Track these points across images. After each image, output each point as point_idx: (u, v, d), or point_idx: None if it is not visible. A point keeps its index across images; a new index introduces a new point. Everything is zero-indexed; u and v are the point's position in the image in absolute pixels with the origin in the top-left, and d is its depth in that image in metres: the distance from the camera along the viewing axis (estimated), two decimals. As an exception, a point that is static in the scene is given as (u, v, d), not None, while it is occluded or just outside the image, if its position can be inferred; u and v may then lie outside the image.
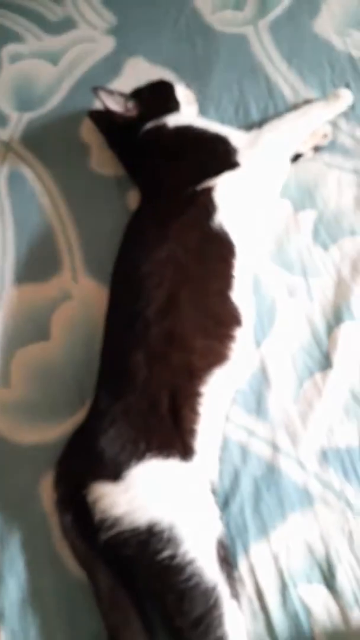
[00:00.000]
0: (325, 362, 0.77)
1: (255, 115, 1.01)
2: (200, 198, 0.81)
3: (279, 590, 0.65)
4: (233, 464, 0.72)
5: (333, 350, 0.77)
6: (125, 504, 0.62)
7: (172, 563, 0.60)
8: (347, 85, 1.00)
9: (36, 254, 0.94)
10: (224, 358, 0.72)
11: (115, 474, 0.64)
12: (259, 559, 0.66)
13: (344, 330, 0.78)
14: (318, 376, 0.76)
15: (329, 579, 0.65)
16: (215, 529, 0.64)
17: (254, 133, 0.89)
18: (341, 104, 0.96)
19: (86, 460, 0.67)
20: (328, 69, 1.04)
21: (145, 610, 0.63)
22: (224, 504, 0.70)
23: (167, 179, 0.86)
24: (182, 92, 1.00)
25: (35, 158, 1.05)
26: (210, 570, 0.60)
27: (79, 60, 1.17)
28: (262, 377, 0.77)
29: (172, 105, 0.97)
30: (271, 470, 0.71)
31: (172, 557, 0.60)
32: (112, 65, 1.14)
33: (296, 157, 0.93)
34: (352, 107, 0.97)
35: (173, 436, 0.67)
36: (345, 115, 0.97)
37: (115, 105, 0.94)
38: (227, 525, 0.67)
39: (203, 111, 1.03)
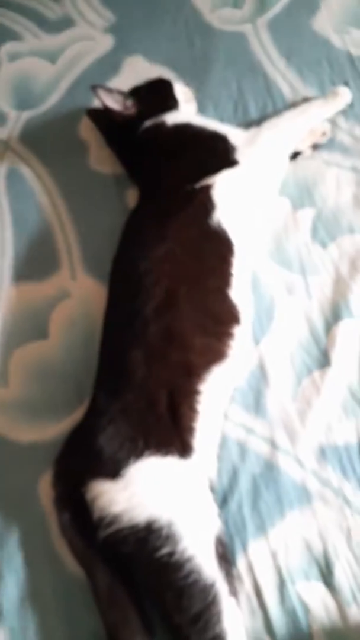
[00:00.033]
0: (324, 360, 0.77)
1: (254, 113, 1.01)
2: (199, 196, 0.81)
3: (277, 587, 0.65)
4: (231, 462, 0.72)
5: (331, 348, 0.77)
6: (124, 501, 0.63)
7: (171, 560, 0.60)
8: (346, 84, 1.00)
9: (35, 253, 0.94)
10: (223, 356, 0.72)
11: (113, 471, 0.64)
12: (257, 556, 0.67)
13: (343, 328, 0.78)
14: (316, 374, 0.76)
15: (327, 576, 0.65)
16: (213, 526, 0.64)
17: (252, 131, 0.89)
18: (340, 102, 0.96)
19: (85, 459, 0.67)
20: (327, 67, 1.04)
21: (144, 608, 0.63)
22: (223, 501, 0.70)
23: (166, 177, 0.86)
24: (181, 90, 1.00)
25: (33, 156, 1.05)
26: (208, 567, 0.61)
27: (77, 58, 1.17)
28: (261, 375, 0.77)
29: (170, 103, 0.97)
30: (269, 468, 0.71)
31: (171, 554, 0.60)
32: (110, 63, 1.14)
33: (295, 155, 0.93)
34: (351, 105, 0.97)
35: (171, 434, 0.67)
36: (344, 113, 0.97)
37: (114, 103, 0.94)
38: (225, 522, 0.67)
39: (202, 109, 1.03)
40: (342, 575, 0.65)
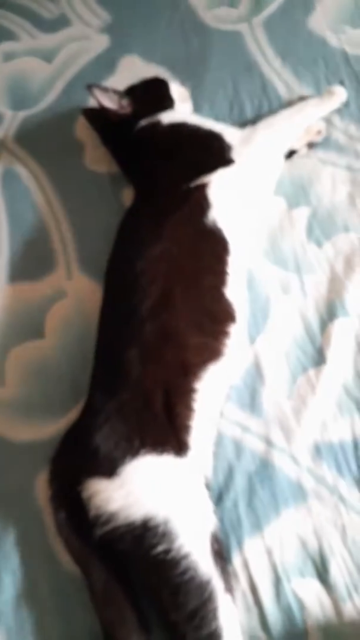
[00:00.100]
0: (319, 358, 0.77)
1: (249, 112, 1.01)
2: (194, 195, 0.81)
3: (272, 584, 0.65)
4: (227, 460, 0.73)
5: (327, 347, 0.78)
6: (120, 499, 0.63)
7: (167, 557, 0.60)
8: (341, 82, 1.00)
9: (31, 252, 0.94)
10: (218, 354, 0.73)
11: (110, 470, 0.64)
12: (252, 553, 0.67)
13: (338, 327, 0.79)
14: (312, 372, 0.77)
15: (322, 573, 0.65)
16: (209, 523, 0.64)
17: (248, 130, 0.89)
18: (335, 101, 0.96)
19: (81, 457, 0.67)
20: (322, 66, 1.04)
21: (140, 606, 0.64)
22: (218, 499, 0.70)
23: (162, 176, 0.86)
24: (177, 90, 1.00)
25: (29, 156, 1.05)
26: (204, 564, 0.61)
27: (73, 58, 1.17)
28: (256, 373, 0.78)
29: (166, 102, 0.97)
30: (265, 466, 0.72)
31: (167, 551, 0.60)
32: (106, 63, 1.14)
33: (290, 154, 0.93)
34: (346, 104, 0.97)
35: (167, 432, 0.67)
36: (339, 112, 0.97)
37: (109, 102, 0.94)
38: (221, 520, 0.68)
39: (197, 108, 1.03)
40: (337, 572, 0.65)
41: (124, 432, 0.66)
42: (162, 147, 0.90)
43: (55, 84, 1.14)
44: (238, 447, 0.73)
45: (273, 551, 0.67)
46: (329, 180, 0.91)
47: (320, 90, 1.01)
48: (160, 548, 0.60)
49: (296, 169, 0.93)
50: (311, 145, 0.95)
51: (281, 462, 0.71)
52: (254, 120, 0.94)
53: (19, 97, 1.13)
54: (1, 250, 0.95)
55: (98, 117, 1.00)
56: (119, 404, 0.68)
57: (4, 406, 0.81)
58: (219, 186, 0.82)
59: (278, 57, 1.07)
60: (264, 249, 0.87)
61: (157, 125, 0.92)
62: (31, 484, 0.74)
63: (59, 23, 1.23)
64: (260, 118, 0.93)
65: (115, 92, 0.95)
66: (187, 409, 0.69)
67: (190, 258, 0.77)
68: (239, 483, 0.71)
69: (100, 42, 1.18)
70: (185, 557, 0.60)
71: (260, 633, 0.63)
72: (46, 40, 1.21)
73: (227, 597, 0.61)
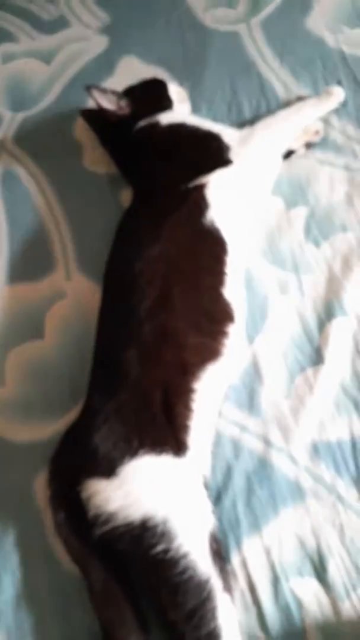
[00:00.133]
0: (317, 358, 0.77)
1: (247, 112, 1.02)
2: (193, 195, 0.81)
3: (270, 583, 0.66)
4: (225, 459, 0.73)
5: (324, 346, 0.78)
6: (119, 499, 0.63)
7: (166, 557, 0.60)
8: (339, 83, 1.00)
9: (30, 253, 0.95)
10: (217, 354, 0.73)
11: (109, 470, 0.64)
12: (251, 552, 0.67)
13: (336, 326, 0.79)
14: (309, 372, 0.77)
15: (320, 572, 0.65)
16: (208, 523, 0.65)
17: (246, 130, 0.89)
18: (333, 101, 0.96)
19: (80, 458, 0.67)
20: (320, 66, 1.04)
21: (139, 605, 0.64)
22: (217, 498, 0.70)
23: (160, 177, 0.86)
24: (175, 90, 1.00)
25: (28, 157, 1.05)
26: (203, 564, 0.61)
27: (72, 59, 1.17)
28: (254, 373, 0.78)
29: (165, 103, 0.97)
30: (263, 465, 0.72)
31: (166, 551, 0.60)
32: (105, 64, 1.14)
33: (288, 154, 0.93)
34: (344, 104, 0.98)
35: (166, 432, 0.67)
36: (337, 112, 0.97)
37: (108, 103, 0.94)
38: (219, 519, 0.68)
39: (195, 109, 1.03)
40: (335, 572, 0.65)
41: (123, 432, 0.66)
42: (160, 147, 0.90)
43: (54, 85, 1.14)
44: (236, 447, 0.73)
45: (271, 550, 0.67)
46: (327, 180, 0.91)
47: (318, 91, 1.01)
48: (159, 548, 0.61)
49: (294, 169, 0.93)
50: (309, 146, 0.95)
51: (279, 462, 0.72)
52: (252, 121, 0.94)
53: (18, 98, 1.13)
54: (1, 251, 0.95)
55: (97, 118, 1.01)
56: (118, 404, 0.68)
57: (3, 406, 0.81)
58: (217, 186, 0.82)
59: (276, 58, 1.07)
60: (262, 249, 0.87)
61: (156, 125, 0.92)
62: (30, 484, 0.74)
63: (58, 24, 1.23)
64: (259, 118, 0.93)
65: (114, 93, 0.96)
66: (186, 409, 0.69)
67: (188, 258, 0.77)
68: (238, 483, 0.71)
69: (99, 43, 1.18)
70: (184, 556, 0.61)
71: (258, 632, 0.64)
72: (45, 41, 1.21)
73: (226, 596, 0.61)
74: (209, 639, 0.59)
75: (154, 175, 0.87)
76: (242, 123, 0.96)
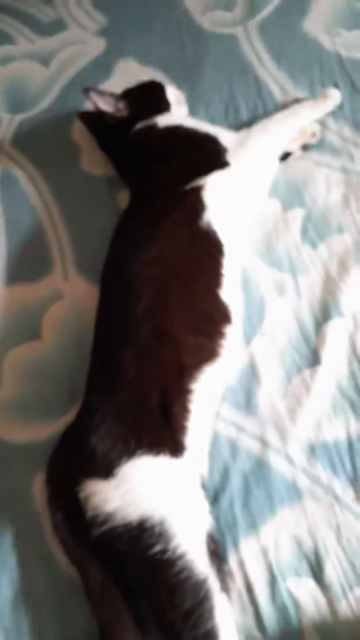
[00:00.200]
0: (314, 359, 0.78)
1: (244, 115, 1.02)
2: (190, 197, 0.81)
3: (267, 583, 0.66)
4: (223, 460, 0.73)
5: (321, 347, 0.78)
6: (116, 500, 0.63)
7: (164, 557, 0.61)
8: (336, 85, 1.01)
9: (27, 254, 0.95)
10: (214, 355, 0.73)
11: (106, 471, 0.65)
12: (248, 553, 0.67)
13: (332, 327, 0.79)
14: (306, 373, 0.77)
15: (317, 572, 0.66)
16: (205, 523, 0.65)
17: (243, 133, 0.90)
18: (330, 104, 0.97)
19: (78, 458, 0.68)
20: (317, 69, 1.05)
21: (136, 606, 0.64)
22: (214, 499, 0.71)
23: (157, 179, 0.87)
24: (173, 93, 1.00)
25: (26, 159, 1.05)
26: (200, 564, 0.61)
27: (70, 61, 1.17)
28: (252, 374, 0.78)
29: (162, 105, 0.98)
30: (260, 466, 0.72)
31: (163, 551, 0.61)
32: (103, 66, 1.15)
33: (285, 156, 0.94)
34: (340, 107, 0.98)
35: (163, 433, 0.68)
36: (333, 114, 0.98)
37: (106, 105, 0.94)
38: (217, 520, 0.68)
39: (193, 111, 1.03)
40: (332, 572, 0.65)
41: (121, 432, 0.67)
42: (158, 149, 0.91)
43: (52, 87, 1.14)
44: (233, 447, 0.74)
45: (268, 550, 0.67)
46: (324, 182, 0.92)
47: (314, 93, 1.01)
48: (156, 548, 0.61)
49: (291, 171, 0.93)
50: (306, 148, 0.95)
51: (276, 462, 0.72)
52: (249, 123, 0.94)
53: (16, 101, 1.14)
54: (-1, 253, 0.96)
55: (94, 120, 1.01)
56: (116, 404, 0.69)
57: (1, 407, 0.82)
58: (214, 188, 0.82)
59: (273, 60, 1.08)
60: (258, 250, 0.87)
61: (153, 128, 0.93)
62: (28, 484, 0.74)
63: (56, 27, 1.24)
64: (256, 121, 0.94)
65: (112, 95, 0.96)
66: (183, 409, 0.70)
67: (185, 260, 0.77)
68: (235, 483, 0.71)
69: (97, 46, 1.19)
70: (182, 556, 0.61)
71: (255, 632, 0.64)
72: (43, 43, 1.22)
73: (223, 596, 0.62)
74: (207, 639, 0.59)
75: (151, 177, 0.88)
76: (240, 125, 0.97)
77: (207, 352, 0.73)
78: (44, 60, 1.19)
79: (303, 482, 0.70)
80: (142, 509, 0.62)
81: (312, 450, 0.72)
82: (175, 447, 0.67)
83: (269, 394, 0.77)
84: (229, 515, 0.69)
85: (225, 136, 0.89)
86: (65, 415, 0.78)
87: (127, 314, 0.74)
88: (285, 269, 0.85)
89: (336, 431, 0.73)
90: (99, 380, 0.73)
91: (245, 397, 0.77)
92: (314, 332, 0.80)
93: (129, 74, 1.10)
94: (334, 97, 0.97)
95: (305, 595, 0.65)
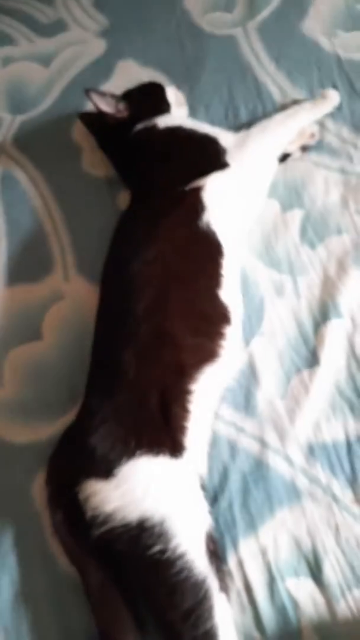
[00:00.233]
0: (312, 359, 0.78)
1: (244, 115, 1.02)
2: (189, 197, 0.82)
3: (266, 583, 0.66)
4: (222, 460, 0.73)
5: (320, 348, 0.78)
6: (116, 500, 0.63)
7: (163, 557, 0.61)
8: (334, 86, 1.01)
9: (28, 255, 0.95)
10: (214, 355, 0.73)
11: (106, 471, 0.65)
12: (247, 553, 0.68)
13: (331, 328, 0.80)
14: (305, 373, 0.77)
15: (315, 572, 0.66)
16: (204, 523, 0.65)
17: (242, 134, 0.90)
18: (328, 105, 0.97)
19: (78, 459, 0.68)
20: (315, 70, 1.05)
21: (136, 606, 0.64)
22: (213, 499, 0.71)
23: (157, 179, 0.87)
24: (173, 94, 1.00)
25: (27, 160, 1.05)
26: (199, 564, 0.61)
27: (70, 62, 1.18)
28: (251, 374, 0.78)
29: (162, 106, 0.98)
30: (259, 466, 0.72)
31: (163, 551, 0.61)
32: (103, 67, 1.15)
33: (284, 157, 0.94)
34: (339, 108, 0.98)
35: (163, 433, 0.68)
36: (332, 115, 0.98)
37: (106, 106, 0.95)
38: (216, 520, 0.68)
39: (193, 112, 1.04)
40: (330, 572, 0.66)
41: (120, 433, 0.67)
42: (158, 150, 0.91)
43: (53, 88, 1.14)
44: (233, 448, 0.74)
45: (267, 551, 0.67)
46: (322, 183, 0.92)
47: (313, 94, 1.01)
48: (156, 548, 0.61)
49: (290, 172, 0.94)
50: (305, 149, 0.95)
51: (275, 463, 0.72)
52: (248, 124, 0.95)
53: (17, 101, 1.14)
54: (-1, 253, 0.96)
55: (95, 121, 1.01)
56: (115, 405, 0.69)
57: (1, 407, 0.82)
58: (214, 189, 0.83)
59: (272, 61, 1.08)
60: (258, 251, 0.88)
61: (154, 128, 0.93)
62: (28, 485, 0.75)
63: (56, 27, 1.24)
64: (255, 122, 0.94)
65: (113, 96, 0.96)
66: (183, 409, 0.70)
67: (184, 260, 0.77)
68: (234, 483, 0.72)
69: (97, 47, 1.19)
70: (181, 556, 0.61)
71: (254, 632, 0.64)
72: (44, 44, 1.22)
73: (222, 596, 0.62)
74: (206, 639, 0.59)
75: (151, 178, 0.88)
76: (239, 126, 0.97)
77: (207, 352, 0.73)
78: (45, 60, 1.19)
79: (302, 482, 0.71)
80: (141, 509, 0.63)
81: (311, 451, 0.72)
82: (174, 447, 0.68)
83: (268, 394, 0.77)
84: (228, 516, 0.70)
85: (225, 137, 0.89)
86: (66, 415, 0.78)
87: (127, 314, 0.74)
88: (284, 269, 0.86)
89: (335, 432, 0.73)
90: (98, 380, 0.74)
91: (245, 397, 0.77)
92: (313, 332, 0.80)
93: (129, 74, 1.11)
94: (333, 98, 0.97)
95: (304, 596, 0.65)
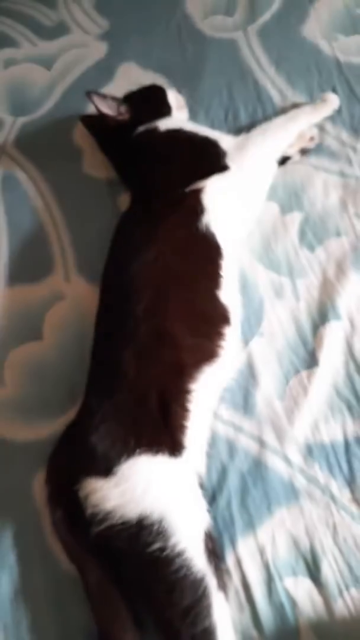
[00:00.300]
0: (311, 361, 0.79)
1: (244, 119, 1.03)
2: (189, 200, 0.82)
3: (264, 582, 0.66)
4: (220, 460, 0.74)
5: (318, 349, 0.79)
6: (116, 498, 0.64)
7: (162, 555, 0.61)
8: (334, 90, 1.02)
9: (29, 256, 0.96)
10: (213, 355, 0.74)
11: (106, 469, 0.65)
12: (245, 552, 0.68)
13: (329, 330, 0.80)
14: (304, 374, 0.78)
15: (313, 571, 0.66)
16: (203, 521, 0.66)
17: (242, 137, 0.91)
18: (328, 108, 0.98)
19: (78, 457, 0.68)
20: (315, 73, 1.06)
21: (135, 605, 0.64)
22: (212, 498, 0.71)
23: (157, 181, 0.88)
24: (174, 97, 1.01)
25: (28, 161, 1.06)
26: (198, 562, 0.62)
27: (72, 65, 1.18)
28: (250, 375, 0.79)
29: (163, 109, 0.99)
30: (258, 466, 0.73)
31: (162, 549, 0.61)
32: (104, 70, 1.16)
33: (284, 160, 0.95)
34: (339, 111, 0.99)
35: (162, 432, 0.68)
36: (332, 118, 0.98)
37: (108, 109, 0.95)
38: (214, 519, 0.69)
39: (193, 115, 1.04)
40: (328, 571, 0.66)
41: (120, 432, 0.67)
42: (158, 152, 0.91)
43: (55, 90, 1.15)
44: (231, 447, 0.74)
45: (265, 550, 0.68)
46: (322, 186, 0.93)
47: (313, 98, 1.02)
48: (155, 546, 0.61)
49: (289, 175, 0.94)
50: (304, 152, 0.96)
51: (274, 462, 0.73)
52: (248, 127, 0.95)
53: (19, 103, 1.15)
54: (0, 254, 0.96)
55: (96, 123, 1.02)
56: (115, 404, 0.69)
57: (2, 406, 0.82)
58: (214, 191, 0.83)
59: (272, 65, 1.09)
60: (257, 253, 0.88)
61: (155, 131, 0.94)
62: (29, 483, 0.75)
63: (59, 30, 1.25)
64: (255, 125, 0.95)
65: (114, 98, 0.97)
66: (182, 409, 0.70)
67: (184, 261, 0.78)
68: (232, 482, 0.72)
69: (99, 50, 1.20)
70: (180, 555, 0.61)
71: (252, 631, 0.64)
72: (46, 47, 1.23)
73: (220, 594, 0.62)
74: (204, 636, 0.60)
75: (152, 180, 0.89)
76: (239, 129, 0.98)
77: (206, 352, 0.74)
78: (47, 63, 1.20)
79: (300, 482, 0.71)
80: (141, 507, 0.63)
81: (309, 451, 0.73)
82: (174, 446, 0.68)
83: (266, 394, 0.77)
84: (227, 515, 0.70)
85: (225, 140, 0.90)
86: (66, 414, 0.78)
87: (127, 315, 0.74)
88: (284, 271, 0.86)
89: (333, 432, 0.74)
90: (98, 380, 0.74)
91: (243, 397, 0.78)
92: (312, 334, 0.81)
93: (130, 77, 1.11)
94: (332, 101, 0.98)
95: (302, 595, 0.65)
